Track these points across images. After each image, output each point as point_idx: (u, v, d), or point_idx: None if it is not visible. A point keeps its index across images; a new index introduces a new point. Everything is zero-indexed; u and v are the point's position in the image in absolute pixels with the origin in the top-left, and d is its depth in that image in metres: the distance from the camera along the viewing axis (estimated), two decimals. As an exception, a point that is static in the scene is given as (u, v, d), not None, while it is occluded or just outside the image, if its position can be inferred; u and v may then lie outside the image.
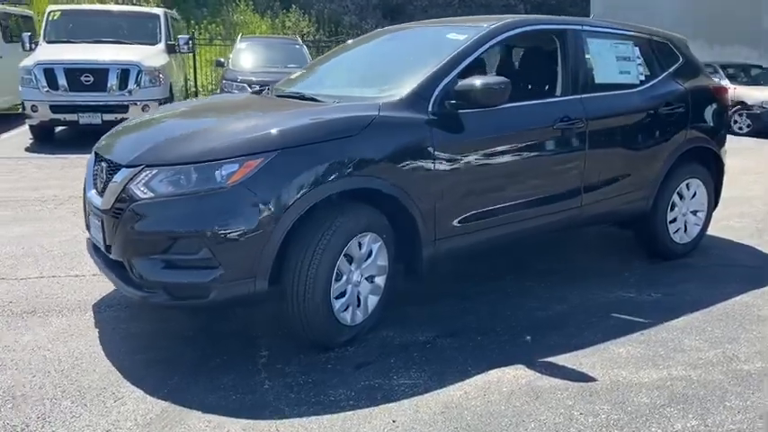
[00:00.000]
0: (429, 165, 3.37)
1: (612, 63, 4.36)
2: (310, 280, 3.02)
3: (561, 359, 3.19)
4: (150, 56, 10.23)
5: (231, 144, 3.01)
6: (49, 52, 10.07)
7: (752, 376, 3.06)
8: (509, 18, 4.04)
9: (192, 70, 15.98)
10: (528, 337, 3.45)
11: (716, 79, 12.95)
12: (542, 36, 4.28)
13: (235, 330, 3.49)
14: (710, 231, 5.07)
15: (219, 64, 13.42)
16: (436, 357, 3.21)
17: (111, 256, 3.15)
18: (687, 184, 4.72)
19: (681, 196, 4.71)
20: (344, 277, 3.19)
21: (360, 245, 3.23)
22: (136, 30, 11.07)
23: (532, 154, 3.82)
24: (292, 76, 4.63)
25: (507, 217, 3.76)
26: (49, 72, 9.52)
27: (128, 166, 3.09)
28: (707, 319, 3.72)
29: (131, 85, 9.66)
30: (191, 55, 15.01)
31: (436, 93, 3.46)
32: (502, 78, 3.46)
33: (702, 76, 4.92)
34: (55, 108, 9.48)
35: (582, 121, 3.98)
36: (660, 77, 4.57)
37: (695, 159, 4.75)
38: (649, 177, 4.44)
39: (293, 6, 21.40)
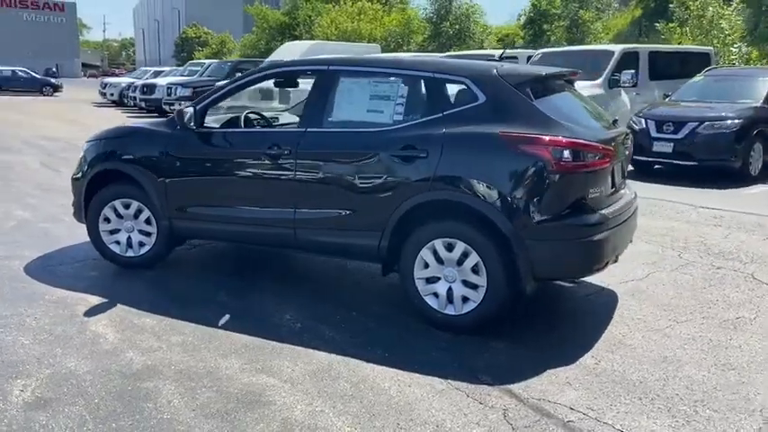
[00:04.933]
0: (163, 162, 5.00)
1: (362, 102, 4.31)
2: (88, 217, 5.34)
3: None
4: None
5: (94, 134, 5.61)
6: None
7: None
8: (272, 63, 4.80)
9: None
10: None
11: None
12: (301, 76, 4.71)
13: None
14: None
15: None
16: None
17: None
18: (448, 245, 4.01)
19: (439, 257, 4.04)
20: (112, 222, 5.28)
21: (127, 206, 5.23)
22: (589, 65, 12.19)
23: (236, 171, 4.74)
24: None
25: (221, 218, 4.82)
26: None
27: None
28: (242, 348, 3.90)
29: None
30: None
31: (186, 117, 4.96)
32: (181, 108, 4.73)
33: (505, 124, 3.88)
34: None
35: (290, 151, 4.43)
36: (421, 120, 4.09)
37: (460, 219, 3.99)
38: (373, 220, 4.21)
39: None
